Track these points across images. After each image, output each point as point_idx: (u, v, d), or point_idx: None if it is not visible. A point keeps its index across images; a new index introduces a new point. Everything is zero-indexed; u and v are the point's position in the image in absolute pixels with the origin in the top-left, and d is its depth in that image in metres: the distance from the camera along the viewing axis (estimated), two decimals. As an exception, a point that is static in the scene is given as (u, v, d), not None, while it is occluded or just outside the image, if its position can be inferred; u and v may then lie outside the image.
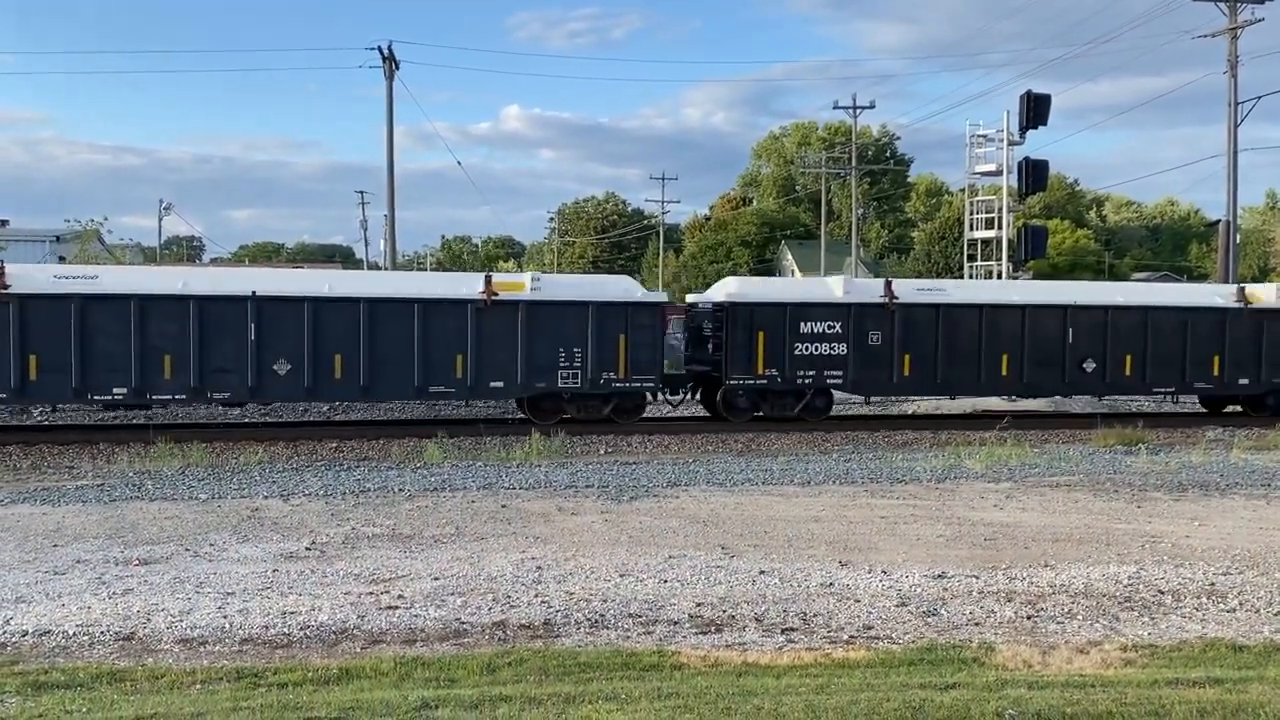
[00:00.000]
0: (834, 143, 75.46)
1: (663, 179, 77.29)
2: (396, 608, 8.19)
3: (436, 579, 9.05)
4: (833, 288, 21.10)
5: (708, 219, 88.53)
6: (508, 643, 7.37)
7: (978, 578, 9.28)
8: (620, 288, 20.41)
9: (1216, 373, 21.77)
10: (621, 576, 9.20)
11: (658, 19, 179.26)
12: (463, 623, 7.84)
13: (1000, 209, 35.92)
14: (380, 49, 36.97)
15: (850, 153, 59.49)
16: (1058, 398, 24.06)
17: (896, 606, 8.38)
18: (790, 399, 20.50)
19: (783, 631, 7.74)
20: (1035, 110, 33.08)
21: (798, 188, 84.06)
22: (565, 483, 14.15)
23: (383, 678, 6.53)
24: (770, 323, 20.06)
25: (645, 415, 20.57)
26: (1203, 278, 60.91)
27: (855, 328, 20.32)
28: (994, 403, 23.35)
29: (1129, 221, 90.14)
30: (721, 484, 14.30)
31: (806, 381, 20.31)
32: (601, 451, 17.66)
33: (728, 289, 21.03)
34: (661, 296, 21.32)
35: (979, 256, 37.54)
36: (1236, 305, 22.00)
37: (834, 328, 20.27)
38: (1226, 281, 33.36)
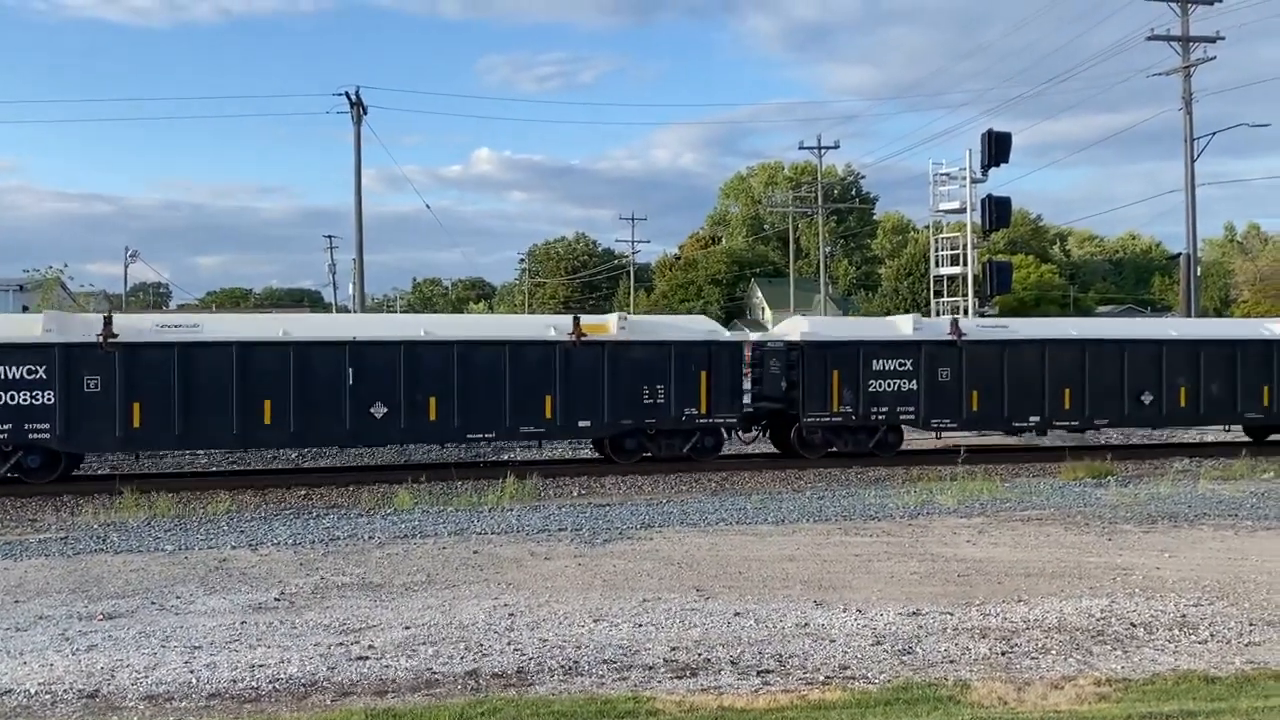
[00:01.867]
0: (800, 182, 76.29)
1: (632, 219, 77.79)
2: (367, 658, 8.07)
3: (408, 628, 8.93)
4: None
5: (678, 258, 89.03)
6: (480, 692, 7.27)
7: (952, 614, 9.28)
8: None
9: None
10: (595, 621, 9.12)
11: (625, 62, 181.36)
12: (434, 673, 7.73)
13: (965, 245, 36.36)
14: (348, 94, 37.08)
15: (816, 192, 60.18)
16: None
17: (872, 645, 8.36)
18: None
19: (759, 674, 7.69)
20: (997, 148, 33.60)
21: (766, 226, 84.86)
22: (538, 526, 14.06)
23: (353, 731, 6.42)
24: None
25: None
26: (1166, 310, 61.88)
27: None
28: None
29: (1092, 255, 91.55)
30: (695, 524, 14.26)
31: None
32: (574, 494, 17.58)
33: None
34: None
35: (945, 292, 37.93)
36: None
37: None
38: (1189, 313, 33.91)
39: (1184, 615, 9.23)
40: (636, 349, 19.65)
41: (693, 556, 12.01)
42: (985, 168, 34.31)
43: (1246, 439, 24.24)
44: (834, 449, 20.90)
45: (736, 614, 9.32)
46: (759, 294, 76.84)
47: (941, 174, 36.82)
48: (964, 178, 35.57)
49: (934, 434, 22.25)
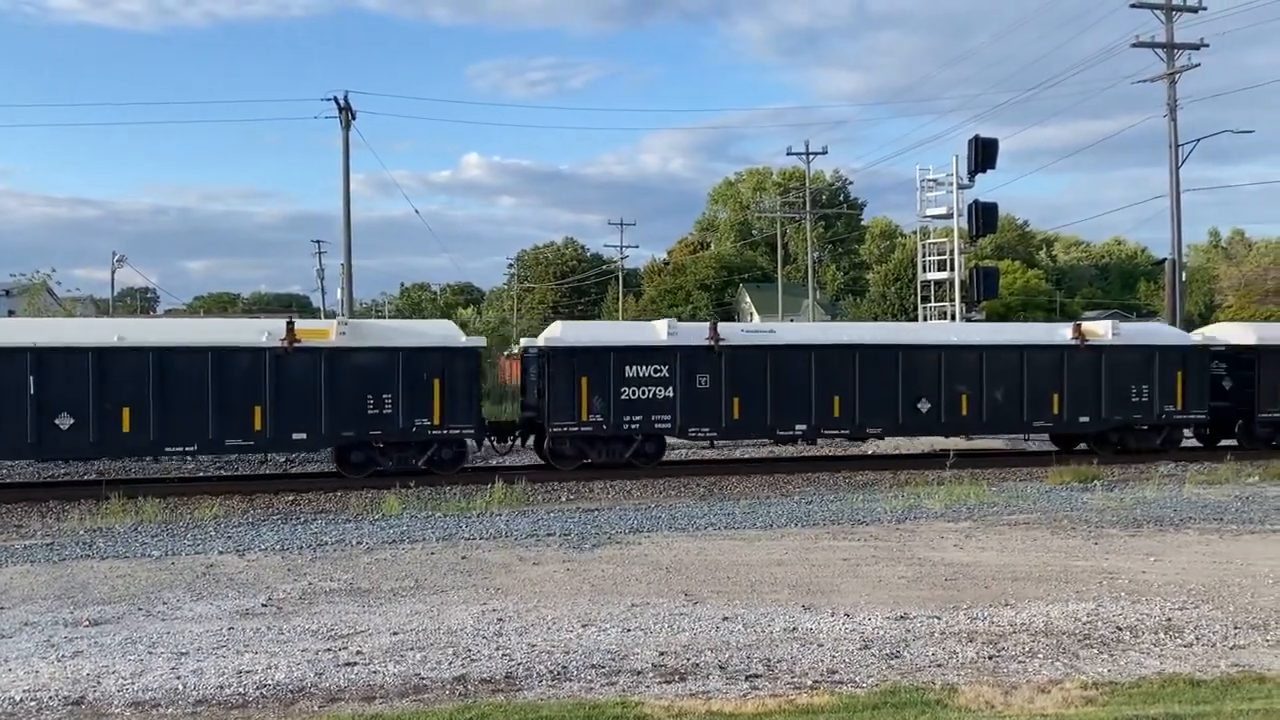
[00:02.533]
0: (789, 187, 76.45)
1: (621, 225, 77.85)
2: (355, 664, 8.05)
3: (395, 634, 8.92)
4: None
5: (666, 263, 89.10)
6: (469, 697, 7.27)
7: (939, 618, 9.31)
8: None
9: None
10: (584, 626, 9.12)
11: (615, 68, 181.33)
12: (423, 678, 7.72)
13: (952, 251, 36.48)
14: (336, 99, 36.98)
15: (805, 197, 60.31)
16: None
17: (860, 649, 8.38)
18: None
19: (747, 678, 7.70)
20: (984, 154, 33.74)
21: (754, 232, 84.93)
22: (527, 531, 14.05)
23: (341, 737, 6.41)
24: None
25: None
26: (1152, 315, 62.17)
27: None
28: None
29: (1078, 261, 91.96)
30: (684, 529, 14.27)
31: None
32: (563, 499, 17.57)
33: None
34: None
35: (933, 298, 38.05)
36: None
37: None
38: (1173, 318, 34.07)
39: (1169, 619, 9.28)
40: (360, 355, 18.69)
41: (681, 561, 12.02)
42: (972, 173, 34.43)
43: (1054, 448, 23.56)
44: (588, 460, 20.06)
45: (725, 619, 9.34)
46: (747, 299, 76.94)
47: (929, 179, 36.91)
48: (951, 183, 35.67)
49: (701, 443, 22.10)
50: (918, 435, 23.14)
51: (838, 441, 23.71)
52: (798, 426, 20.69)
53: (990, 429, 22.35)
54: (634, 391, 19.87)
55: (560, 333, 20.55)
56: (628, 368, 19.88)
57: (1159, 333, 24.08)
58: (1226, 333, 24.06)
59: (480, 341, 20.64)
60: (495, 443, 20.76)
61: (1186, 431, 23.64)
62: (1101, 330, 22.35)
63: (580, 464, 20.05)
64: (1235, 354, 22.98)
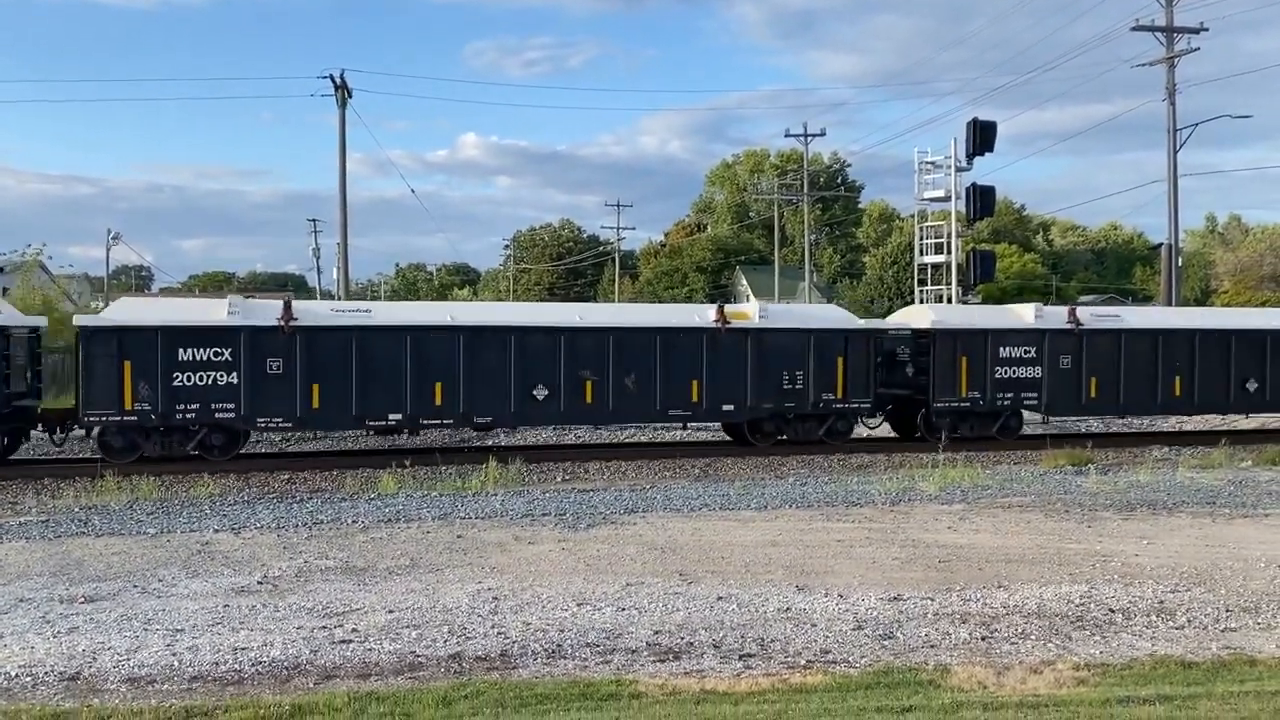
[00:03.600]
0: (786, 170, 76.25)
1: (618, 206, 77.65)
2: (350, 641, 8.08)
3: (391, 612, 8.94)
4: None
5: (663, 245, 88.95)
6: (464, 675, 7.29)
7: (933, 600, 9.35)
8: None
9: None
10: (579, 605, 9.15)
11: (613, 48, 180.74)
12: (418, 656, 7.74)
13: (949, 234, 36.46)
14: (332, 77, 36.75)
15: (802, 179, 60.17)
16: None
17: (853, 630, 8.42)
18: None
19: (740, 657, 7.73)
20: (982, 137, 33.66)
21: (751, 214, 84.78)
22: (522, 511, 14.07)
23: (336, 714, 6.43)
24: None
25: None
26: (1148, 300, 62.22)
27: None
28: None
29: (1075, 245, 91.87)
30: (679, 510, 14.30)
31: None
32: (558, 479, 17.59)
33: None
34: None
35: (929, 281, 38.05)
36: None
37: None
38: (1169, 303, 34.11)
39: (1162, 601, 9.33)
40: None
41: (676, 541, 12.05)
42: (970, 156, 34.37)
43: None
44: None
45: (719, 598, 9.37)
46: (744, 282, 76.78)
47: (927, 162, 36.84)
48: (949, 166, 35.63)
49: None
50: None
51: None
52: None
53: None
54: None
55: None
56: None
57: (816, 316, 22.58)
58: (911, 317, 23.13)
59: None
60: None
61: (873, 422, 22.56)
62: (750, 312, 21.09)
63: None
64: (916, 339, 21.76)
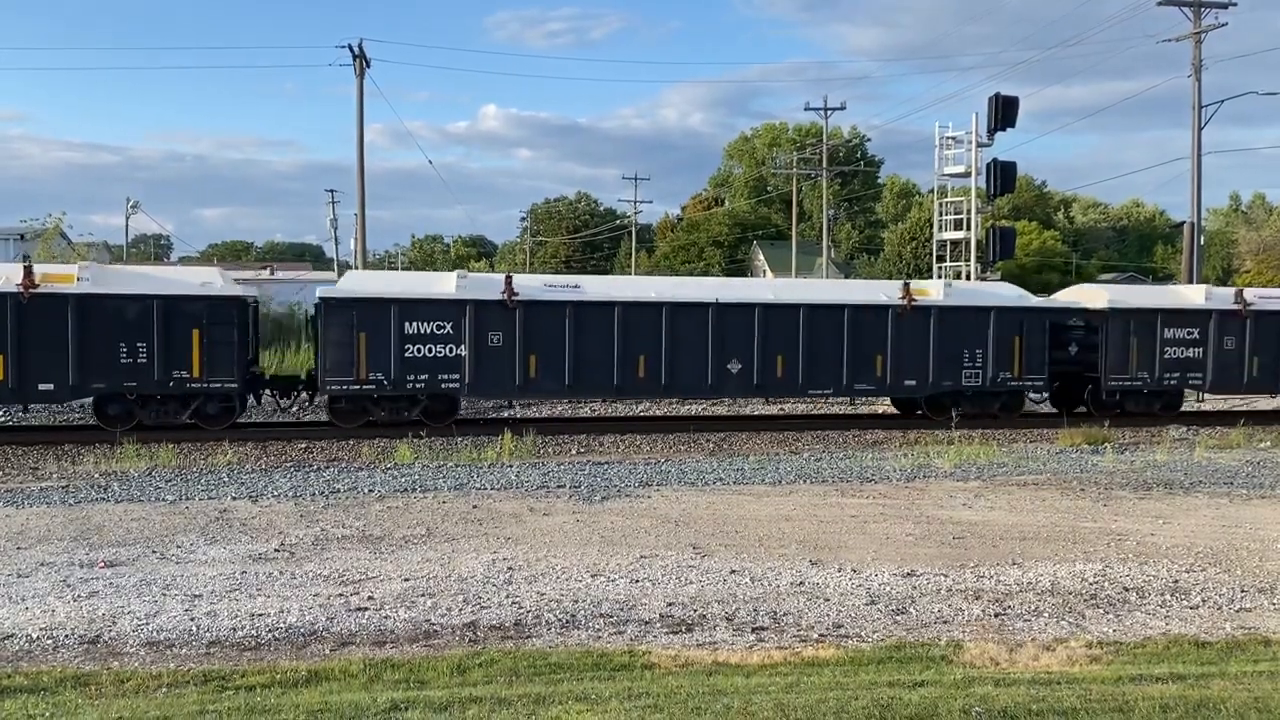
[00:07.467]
0: (805, 144, 75.75)
1: (635, 179, 77.31)
2: (366, 609, 8.15)
3: (407, 580, 9.01)
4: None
5: (680, 219, 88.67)
6: (478, 644, 7.35)
7: (946, 576, 9.36)
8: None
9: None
10: (593, 577, 9.20)
11: (637, 20, 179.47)
12: (433, 624, 7.81)
13: (969, 210, 36.18)
14: (350, 47, 36.73)
15: (821, 154, 59.77)
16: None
17: (866, 605, 8.44)
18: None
19: (753, 630, 7.77)
20: (1004, 112, 33.33)
21: (769, 188, 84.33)
22: (537, 483, 14.13)
23: (352, 680, 6.50)
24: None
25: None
26: (1169, 278, 61.67)
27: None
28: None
29: (1096, 223, 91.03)
30: (693, 483, 14.33)
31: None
32: (573, 451, 17.64)
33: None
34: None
35: (948, 257, 37.79)
36: None
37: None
38: (1191, 282, 33.80)
39: (1176, 580, 9.31)
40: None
41: (690, 515, 12.09)
42: (991, 132, 34.03)
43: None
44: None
45: (733, 572, 9.40)
46: (760, 257, 76.52)
47: (948, 137, 36.48)
48: (970, 141, 35.30)
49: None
50: None
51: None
52: None
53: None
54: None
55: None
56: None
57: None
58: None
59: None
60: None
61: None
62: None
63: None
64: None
